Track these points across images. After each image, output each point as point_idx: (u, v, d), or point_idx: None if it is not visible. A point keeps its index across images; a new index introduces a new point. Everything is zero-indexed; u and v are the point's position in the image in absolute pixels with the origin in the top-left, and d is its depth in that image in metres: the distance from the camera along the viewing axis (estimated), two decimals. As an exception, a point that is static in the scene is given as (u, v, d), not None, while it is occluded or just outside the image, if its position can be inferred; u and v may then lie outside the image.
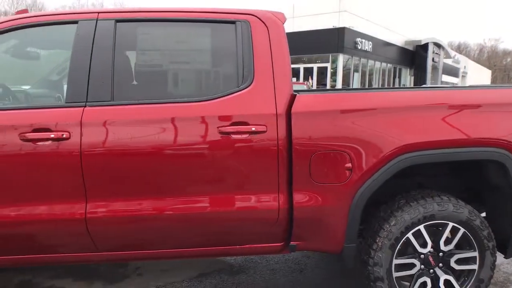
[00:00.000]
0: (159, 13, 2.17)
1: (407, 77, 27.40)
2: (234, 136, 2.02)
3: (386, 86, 22.47)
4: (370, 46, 21.35)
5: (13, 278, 2.86)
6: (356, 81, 21.34)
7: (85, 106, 2.01)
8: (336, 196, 2.11)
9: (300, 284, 2.78)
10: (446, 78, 31.71)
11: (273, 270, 2.99)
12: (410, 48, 26.26)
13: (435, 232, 2.23)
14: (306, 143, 2.06)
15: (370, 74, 22.93)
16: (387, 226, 2.19)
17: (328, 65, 20.15)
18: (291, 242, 2.21)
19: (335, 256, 3.18)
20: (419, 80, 26.62)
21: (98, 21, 2.11)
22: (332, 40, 19.25)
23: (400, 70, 26.41)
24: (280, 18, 2.23)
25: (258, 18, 2.19)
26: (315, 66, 20.66)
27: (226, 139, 2.02)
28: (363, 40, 20.59)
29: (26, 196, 2.01)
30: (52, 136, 1.95)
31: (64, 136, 1.96)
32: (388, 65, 24.63)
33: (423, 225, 2.18)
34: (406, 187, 2.42)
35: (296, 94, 2.11)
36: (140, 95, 2.11)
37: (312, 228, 2.16)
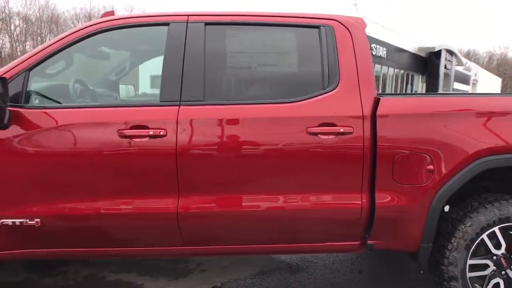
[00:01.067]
0: (246, 17, 2.25)
1: (419, 84, 27.39)
2: (321, 137, 2.10)
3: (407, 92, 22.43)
4: (384, 52, 21.39)
5: (80, 271, 2.94)
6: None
7: (179, 105, 2.10)
8: (417, 197, 2.17)
9: (361, 283, 2.84)
10: (457, 85, 31.64)
11: (332, 270, 3.05)
12: (423, 54, 26.25)
13: (509, 234, 2.28)
14: (391, 145, 2.13)
15: (384, 80, 22.95)
16: (462, 227, 2.25)
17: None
18: (369, 241, 2.28)
19: (391, 257, 3.24)
20: (431, 87, 26.58)
21: (188, 23, 2.20)
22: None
23: (412, 76, 26.40)
24: (361, 23, 2.31)
25: (341, 23, 2.26)
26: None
27: (314, 139, 2.10)
28: (378, 46, 20.63)
29: (121, 191, 2.09)
30: (151, 133, 2.04)
31: (161, 133, 2.05)
32: (401, 71, 24.63)
33: (498, 227, 2.24)
34: (471, 190, 2.48)
35: (379, 97, 2.19)
36: (230, 96, 2.20)
37: (391, 227, 2.23)
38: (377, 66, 21.72)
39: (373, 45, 20.33)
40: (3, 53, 53.68)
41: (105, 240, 2.18)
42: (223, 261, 3.14)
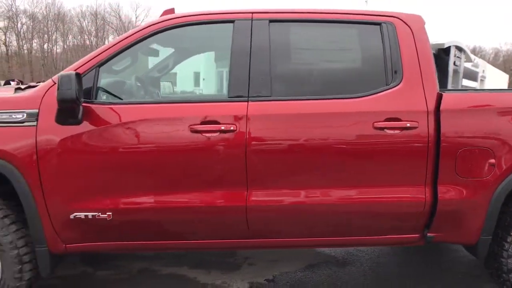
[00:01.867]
0: (309, 14, 2.29)
1: (428, 80, 27.30)
2: (387, 131, 2.14)
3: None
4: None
5: (133, 265, 3.00)
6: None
7: (248, 101, 2.14)
8: (478, 190, 2.21)
9: (412, 276, 2.87)
10: (465, 82, 31.47)
11: (379, 264, 3.10)
12: (432, 51, 26.17)
13: None
14: (454, 139, 2.17)
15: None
16: (522, 220, 2.29)
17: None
18: (428, 234, 2.31)
19: (436, 250, 3.28)
20: (440, 83, 26.46)
21: (253, 20, 2.24)
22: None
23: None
24: (420, 21, 2.34)
25: (402, 20, 2.30)
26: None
27: (380, 134, 2.14)
28: (388, 43, 20.60)
29: (191, 185, 2.15)
30: (223, 128, 2.08)
31: (232, 128, 2.09)
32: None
33: (556, 220, 2.27)
34: None
35: (442, 93, 2.22)
36: (295, 91, 2.24)
37: (452, 220, 2.26)
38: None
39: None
40: (9, 51, 54.03)
41: (174, 234, 2.23)
42: (269, 255, 3.19)
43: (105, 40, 59.58)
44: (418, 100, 2.18)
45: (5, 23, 51.03)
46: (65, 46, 57.64)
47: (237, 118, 2.11)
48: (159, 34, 2.23)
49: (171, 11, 2.51)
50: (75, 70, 2.14)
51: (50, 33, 55.14)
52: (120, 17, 59.89)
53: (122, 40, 2.22)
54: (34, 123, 2.09)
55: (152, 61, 2.85)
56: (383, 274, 2.92)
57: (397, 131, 2.14)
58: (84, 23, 57.27)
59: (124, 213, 2.13)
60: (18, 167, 2.07)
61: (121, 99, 2.38)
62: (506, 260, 2.30)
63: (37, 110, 2.10)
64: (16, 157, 2.07)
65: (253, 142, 2.10)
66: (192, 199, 2.14)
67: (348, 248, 3.30)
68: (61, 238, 2.18)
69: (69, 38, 57.96)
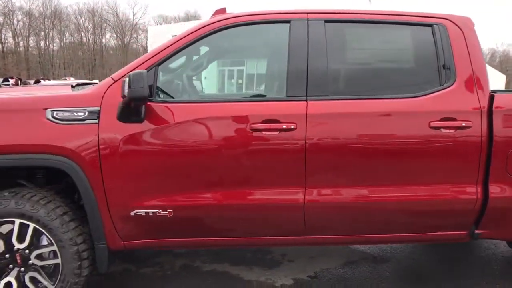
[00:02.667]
0: (363, 15, 2.33)
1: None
2: (443, 131, 2.18)
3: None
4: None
5: (174, 262, 3.03)
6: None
7: (306, 100, 2.18)
8: (528, 188, 2.26)
9: (453, 272, 2.93)
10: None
11: (415, 260, 3.16)
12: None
13: None
14: (505, 139, 2.22)
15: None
16: None
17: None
18: (476, 231, 2.37)
19: (469, 247, 3.35)
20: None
21: (309, 21, 2.28)
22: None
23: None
24: (470, 22, 2.38)
25: (453, 22, 2.35)
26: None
27: (436, 133, 2.19)
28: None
29: (251, 182, 2.18)
30: (284, 126, 2.12)
31: (292, 127, 2.13)
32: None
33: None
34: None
35: (494, 94, 2.27)
36: (351, 91, 2.28)
37: (500, 217, 2.32)
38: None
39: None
40: (5, 48, 53.60)
41: (232, 230, 2.27)
42: (306, 251, 3.23)
43: (102, 38, 59.38)
44: (471, 100, 2.23)
45: (1, 19, 50.63)
46: (62, 44, 57.35)
47: (297, 117, 2.14)
48: (216, 34, 2.26)
49: (223, 10, 2.54)
50: (134, 68, 2.18)
51: (46, 30, 54.80)
52: (117, 14, 59.70)
53: (179, 40, 2.24)
54: (96, 121, 2.11)
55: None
56: (422, 269, 2.97)
57: (452, 131, 2.19)
58: (81, 21, 57.03)
59: (185, 210, 2.17)
60: (80, 164, 2.10)
61: (175, 98, 2.41)
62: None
63: (98, 108, 2.13)
64: (78, 155, 2.09)
65: (312, 141, 2.14)
66: (251, 197, 2.18)
67: (381, 245, 3.36)
68: (120, 235, 2.21)
69: (66, 35, 57.65)
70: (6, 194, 2.17)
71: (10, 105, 2.18)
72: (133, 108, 2.07)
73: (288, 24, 2.28)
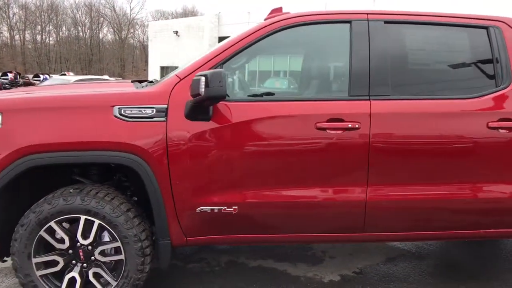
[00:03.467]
0: (421, 17, 2.37)
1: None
2: (501, 131, 2.24)
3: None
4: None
5: (220, 258, 3.06)
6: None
7: (369, 99, 2.22)
8: None
9: (495, 268, 3.00)
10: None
11: (454, 255, 3.23)
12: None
13: None
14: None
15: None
16: None
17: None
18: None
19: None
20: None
21: (369, 21, 2.31)
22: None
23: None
24: (502, 25, 2.42)
25: (507, 24, 2.39)
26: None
27: (493, 133, 2.24)
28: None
29: (314, 180, 2.22)
30: (350, 126, 2.16)
31: (356, 126, 2.17)
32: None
33: None
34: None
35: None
36: (411, 91, 2.32)
37: None
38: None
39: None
40: (0, 42, 52.92)
41: (294, 227, 2.31)
42: (345, 249, 3.28)
43: (99, 33, 58.87)
44: (528, 101, 2.28)
45: (-4, 12, 50.02)
46: (58, 38, 56.78)
47: (361, 116, 2.18)
48: (278, 33, 2.29)
49: (279, 10, 2.56)
50: (200, 67, 2.20)
51: (43, 24, 54.24)
52: (114, 9, 59.22)
53: (242, 39, 2.26)
54: (164, 119, 2.13)
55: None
56: (464, 264, 3.04)
57: (507, 131, 2.24)
58: (77, 15, 56.49)
59: (250, 207, 2.20)
60: (148, 161, 2.12)
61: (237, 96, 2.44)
62: None
63: (166, 106, 2.15)
64: (146, 152, 2.11)
65: (376, 139, 2.18)
66: (315, 194, 2.22)
67: (417, 242, 3.42)
68: (184, 231, 2.24)
69: (63, 29, 57.09)
70: (71, 190, 2.19)
71: (78, 101, 2.20)
72: (203, 107, 2.09)
73: (348, 25, 2.32)
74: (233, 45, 2.26)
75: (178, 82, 2.20)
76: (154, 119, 2.14)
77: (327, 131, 2.17)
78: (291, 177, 2.21)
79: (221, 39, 27.48)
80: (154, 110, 2.14)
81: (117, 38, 60.08)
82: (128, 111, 2.13)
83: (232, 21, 25.99)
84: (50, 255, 2.22)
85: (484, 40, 2.37)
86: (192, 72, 2.22)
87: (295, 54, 2.47)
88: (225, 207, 2.19)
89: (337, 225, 2.33)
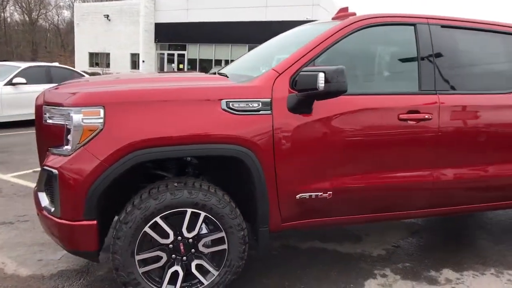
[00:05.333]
0: (470, 23, 2.77)
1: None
2: (527, 119, 2.74)
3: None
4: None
5: (272, 242, 3.21)
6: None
7: (436, 94, 2.56)
8: None
9: (497, 235, 3.60)
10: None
11: (459, 228, 3.77)
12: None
13: None
14: None
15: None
16: None
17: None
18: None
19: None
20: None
21: (429, 25, 2.64)
22: (304, 32, 20.31)
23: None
24: None
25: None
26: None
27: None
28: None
29: (395, 164, 2.51)
30: (426, 116, 2.47)
31: (429, 117, 2.49)
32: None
33: None
34: None
35: None
36: (464, 87, 2.70)
37: None
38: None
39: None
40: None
41: (377, 207, 2.57)
42: (375, 227, 3.64)
43: (3, 12, 52.18)
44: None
45: None
46: None
47: (432, 108, 2.51)
48: (358, 32, 2.49)
49: (346, 9, 2.76)
50: (296, 61, 2.33)
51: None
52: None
53: (329, 37, 2.43)
54: (269, 112, 2.23)
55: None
56: (474, 233, 3.61)
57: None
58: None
59: (342, 192, 2.41)
60: (256, 152, 2.20)
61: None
62: None
63: (269, 99, 2.24)
64: (255, 144, 2.19)
65: (443, 129, 2.53)
66: (396, 177, 2.51)
67: (428, 218, 3.92)
68: (282, 217, 2.37)
69: None
70: (176, 184, 2.19)
71: (186, 94, 2.18)
72: (308, 101, 2.23)
73: (413, 27, 2.61)
74: (323, 42, 2.41)
75: (278, 76, 2.30)
76: (261, 112, 2.22)
77: (408, 121, 2.46)
78: (378, 163, 2.47)
79: (158, 25, 26.56)
80: (260, 103, 2.22)
81: (27, 19, 53.91)
82: (236, 105, 2.18)
83: (169, 6, 25.11)
84: (154, 251, 2.20)
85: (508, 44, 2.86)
86: (289, 67, 2.33)
87: (369, 52, 2.67)
88: (321, 193, 2.37)
89: (413, 203, 2.65)
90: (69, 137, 2.07)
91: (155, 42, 26.44)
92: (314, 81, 2.11)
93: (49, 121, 2.18)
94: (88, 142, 2.03)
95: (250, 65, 3.28)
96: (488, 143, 2.69)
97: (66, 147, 2.09)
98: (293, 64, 2.34)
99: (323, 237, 3.37)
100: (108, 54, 27.44)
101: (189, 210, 2.18)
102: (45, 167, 2.13)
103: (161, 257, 2.22)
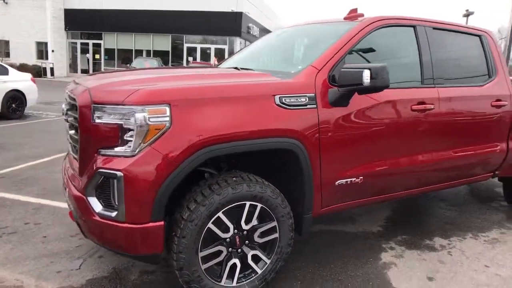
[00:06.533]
0: (455, 26, 3.24)
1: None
2: (495, 109, 3.32)
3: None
4: (257, 32, 23.36)
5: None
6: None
7: (435, 87, 2.96)
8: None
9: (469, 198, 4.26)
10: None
11: (440, 198, 4.38)
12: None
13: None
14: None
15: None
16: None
17: (226, 47, 21.20)
18: (496, 172, 3.66)
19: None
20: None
21: (425, 27, 3.03)
22: (230, 23, 20.36)
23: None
24: (490, 33, 3.56)
25: (488, 34, 3.49)
26: (212, 47, 21.38)
27: (494, 110, 3.30)
28: (253, 26, 22.39)
29: (411, 149, 2.89)
30: (431, 107, 2.86)
31: (433, 107, 2.89)
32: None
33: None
34: None
35: (511, 82, 3.54)
36: (451, 81, 3.16)
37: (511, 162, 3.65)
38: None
39: (250, 25, 21.98)
40: None
41: (400, 187, 2.94)
42: (363, 209, 4.02)
43: None
44: (506, 88, 3.43)
45: None
46: None
47: (434, 100, 2.91)
48: (373, 32, 2.77)
49: (355, 10, 3.01)
50: (331, 58, 2.52)
51: None
52: None
53: (355, 35, 2.66)
54: (315, 106, 2.39)
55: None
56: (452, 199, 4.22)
57: (497, 108, 3.35)
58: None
59: (371, 176, 2.68)
60: (305, 144, 2.35)
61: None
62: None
63: (314, 94, 2.40)
64: (304, 136, 2.34)
65: (442, 116, 2.96)
66: (411, 160, 2.89)
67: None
68: (322, 203, 2.56)
69: None
70: (234, 179, 2.23)
71: (244, 91, 2.21)
72: (347, 95, 2.44)
73: (413, 28, 2.98)
74: (349, 41, 2.63)
75: (318, 72, 2.47)
76: (308, 106, 2.36)
77: (417, 112, 2.83)
78: (397, 149, 2.80)
79: (68, 12, 24.09)
80: (307, 98, 2.37)
81: None
82: (287, 100, 2.30)
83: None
84: (215, 246, 2.23)
85: (479, 45, 3.41)
86: (325, 63, 2.51)
87: (384, 49, 2.95)
88: (355, 178, 2.62)
89: (420, 181, 3.07)
90: (129, 136, 1.99)
91: (65, 30, 24.04)
92: (359, 77, 2.31)
93: (99, 120, 2.04)
94: (155, 141, 1.97)
95: (270, 60, 3.40)
96: (471, 127, 3.21)
97: (125, 147, 1.99)
98: (328, 61, 2.52)
99: (326, 220, 3.64)
100: (7, 42, 24.16)
101: (248, 203, 2.24)
102: (102, 170, 2.00)
103: (221, 252, 2.25)
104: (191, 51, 22.08)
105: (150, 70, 3.40)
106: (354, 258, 2.95)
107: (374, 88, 2.36)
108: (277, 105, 2.27)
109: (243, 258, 2.33)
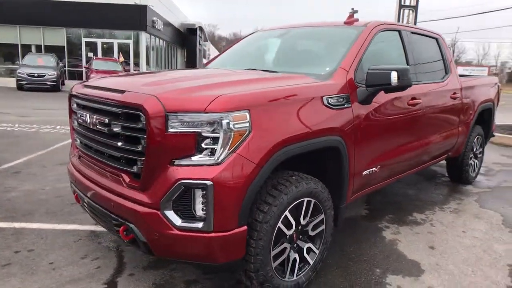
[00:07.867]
0: (422, 30, 3.75)
1: (180, 57, 30.19)
2: (453, 101, 3.98)
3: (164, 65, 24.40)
4: (162, 27, 22.51)
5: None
6: (152, 60, 22.12)
7: (418, 84, 3.44)
8: (464, 128, 4.45)
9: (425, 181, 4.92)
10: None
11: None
12: (182, 30, 29.00)
13: None
14: (468, 102, 4.27)
15: (157, 51, 24.11)
16: None
17: (130, 42, 19.95)
18: (449, 153, 4.37)
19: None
20: (190, 60, 29.93)
21: (406, 32, 3.49)
22: (134, 17, 19.23)
23: (176, 49, 28.78)
24: (442, 36, 4.23)
25: (440, 36, 4.14)
26: (115, 41, 19.92)
27: (452, 101, 3.95)
28: (158, 20, 21.51)
29: (412, 137, 3.32)
30: (420, 101, 3.33)
31: (420, 101, 3.36)
32: (170, 44, 26.46)
33: None
34: None
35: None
36: (423, 78, 3.67)
37: (458, 144, 4.41)
38: (157, 40, 22.60)
39: (155, 18, 21.06)
40: None
41: (398, 171, 3.33)
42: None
43: None
44: (457, 82, 4.12)
45: None
46: None
47: (421, 95, 3.39)
48: (376, 36, 3.09)
49: (353, 15, 3.29)
50: (354, 60, 2.77)
51: None
52: None
53: (366, 39, 2.95)
54: (349, 104, 2.60)
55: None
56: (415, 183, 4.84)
57: (454, 99, 4.02)
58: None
59: (385, 165, 3.02)
60: (345, 140, 2.56)
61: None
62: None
63: (348, 94, 2.61)
64: (346, 133, 2.54)
65: (426, 109, 3.46)
66: (410, 147, 3.35)
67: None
68: (351, 193, 2.80)
69: None
70: (294, 178, 2.32)
71: (304, 93, 2.30)
72: (373, 93, 2.71)
73: (397, 32, 3.40)
74: (363, 44, 2.91)
75: (347, 73, 2.68)
76: (345, 105, 2.57)
77: (412, 106, 3.26)
78: (401, 138, 3.20)
79: None
80: (344, 98, 2.57)
81: None
82: (331, 100, 2.47)
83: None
84: (281, 244, 2.30)
85: (436, 46, 4.04)
86: (351, 65, 2.74)
87: (383, 51, 3.31)
88: (375, 168, 2.92)
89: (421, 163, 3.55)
90: (208, 144, 1.93)
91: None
92: (387, 77, 2.59)
93: (174, 130, 1.93)
94: (239, 147, 1.96)
95: (277, 61, 3.48)
96: (442, 115, 3.80)
97: (206, 156, 1.94)
98: (352, 63, 2.76)
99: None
100: None
101: (306, 199, 2.36)
102: (185, 181, 1.90)
103: (286, 248, 2.33)
104: (91, 47, 20.23)
105: (180, 73, 3.20)
106: (365, 240, 3.27)
107: (401, 87, 2.67)
108: (325, 105, 2.42)
109: (299, 252, 2.44)
